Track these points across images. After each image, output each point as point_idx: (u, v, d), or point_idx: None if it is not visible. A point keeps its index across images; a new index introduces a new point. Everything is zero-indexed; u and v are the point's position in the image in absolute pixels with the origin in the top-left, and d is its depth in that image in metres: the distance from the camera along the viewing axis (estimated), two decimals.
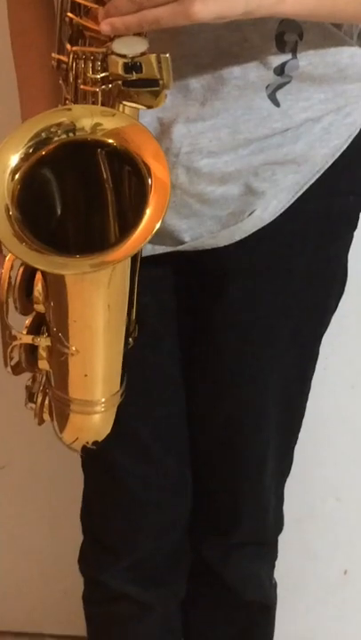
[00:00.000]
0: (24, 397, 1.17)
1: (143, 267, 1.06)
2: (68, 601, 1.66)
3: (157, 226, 0.89)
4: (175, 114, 1.07)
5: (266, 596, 1.41)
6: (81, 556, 1.38)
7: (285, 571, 1.47)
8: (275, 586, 1.43)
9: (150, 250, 1.14)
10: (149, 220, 0.89)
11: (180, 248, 1.14)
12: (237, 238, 1.13)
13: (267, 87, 1.07)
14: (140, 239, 0.89)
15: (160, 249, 1.14)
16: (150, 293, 1.18)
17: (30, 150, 0.92)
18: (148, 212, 0.89)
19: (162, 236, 1.12)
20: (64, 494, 1.63)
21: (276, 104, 1.08)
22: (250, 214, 1.12)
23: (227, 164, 1.09)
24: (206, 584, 1.38)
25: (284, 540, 1.41)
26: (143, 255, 1.12)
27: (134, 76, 0.92)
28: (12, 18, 1.18)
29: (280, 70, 1.07)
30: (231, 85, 1.06)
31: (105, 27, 0.92)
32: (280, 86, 1.08)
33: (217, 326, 1.21)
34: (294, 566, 1.68)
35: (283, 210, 1.14)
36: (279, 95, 1.08)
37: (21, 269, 1.01)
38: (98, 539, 1.35)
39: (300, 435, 1.33)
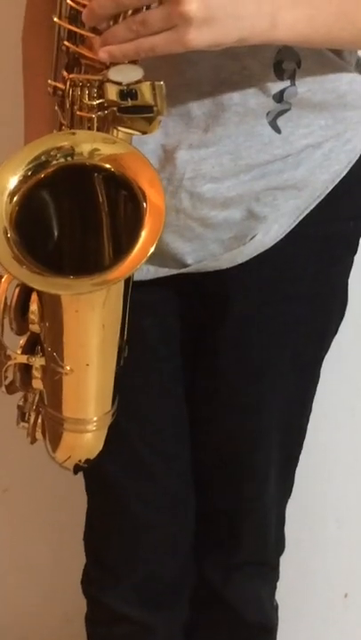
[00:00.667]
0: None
1: (146, 289, 1.07)
2: (70, 623, 1.65)
3: (152, 249, 0.90)
4: (178, 140, 1.09)
5: (267, 618, 1.41)
6: (84, 576, 1.38)
7: (285, 593, 1.46)
8: (276, 608, 1.42)
9: (154, 272, 1.15)
10: (145, 242, 0.90)
11: (183, 271, 1.15)
12: (239, 261, 1.14)
13: (267, 114, 1.08)
14: (135, 261, 0.90)
15: (163, 271, 1.15)
16: (153, 315, 1.19)
17: (29, 173, 0.93)
18: (143, 234, 0.90)
19: (165, 258, 1.14)
20: (66, 516, 1.62)
21: (277, 130, 1.09)
22: (252, 238, 1.13)
23: (229, 189, 1.10)
24: (207, 604, 1.38)
25: (284, 562, 1.41)
26: (147, 278, 1.13)
27: (129, 103, 0.93)
28: (24, 48, 1.21)
29: (279, 97, 1.08)
30: (232, 112, 1.07)
31: (103, 54, 0.94)
32: (280, 113, 1.09)
33: (218, 347, 1.22)
34: (294, 589, 1.67)
35: (284, 234, 1.15)
36: (280, 122, 1.09)
37: (17, 290, 1.01)
38: (100, 559, 1.35)
39: (301, 457, 1.34)
